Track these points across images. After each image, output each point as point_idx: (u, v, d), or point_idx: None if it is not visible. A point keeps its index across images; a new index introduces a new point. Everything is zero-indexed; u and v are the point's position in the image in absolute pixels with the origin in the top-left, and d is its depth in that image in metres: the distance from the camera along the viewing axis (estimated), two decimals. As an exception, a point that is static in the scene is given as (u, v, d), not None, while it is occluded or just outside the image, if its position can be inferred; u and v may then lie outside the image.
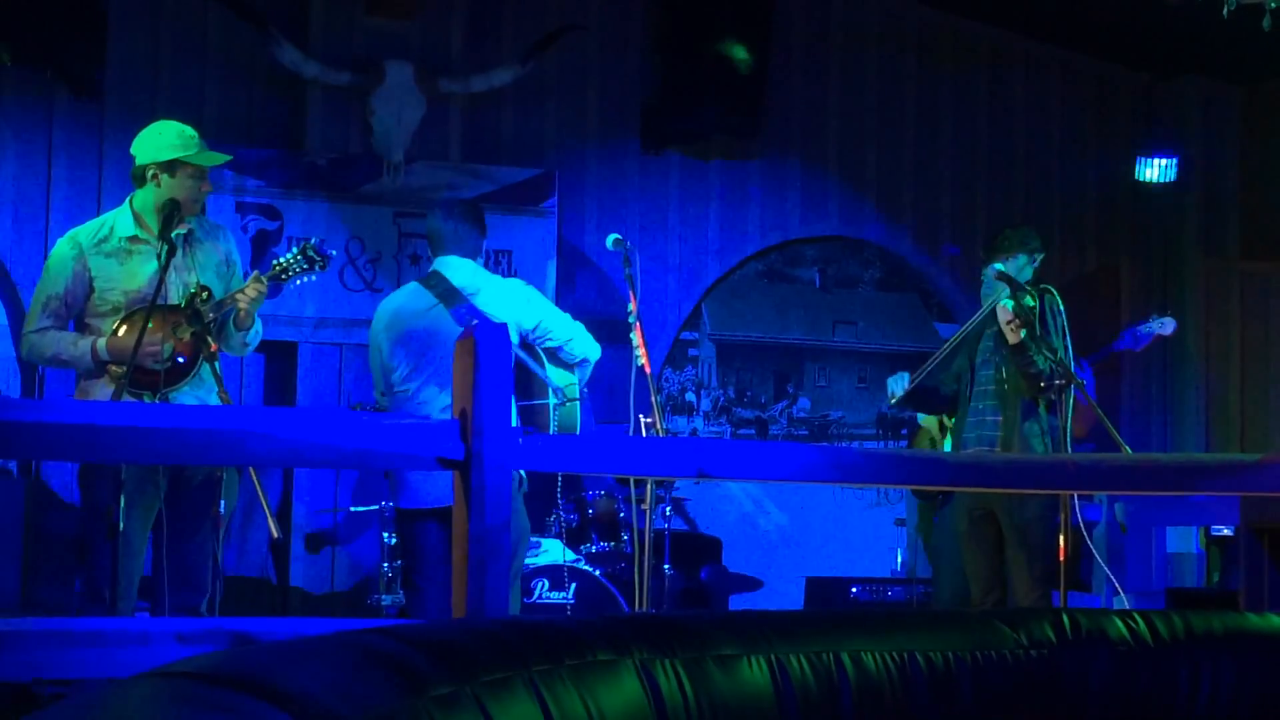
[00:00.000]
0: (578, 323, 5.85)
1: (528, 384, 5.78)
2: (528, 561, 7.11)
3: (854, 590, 8.01)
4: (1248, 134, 9.86)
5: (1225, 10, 6.14)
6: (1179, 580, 8.98)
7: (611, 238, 5.86)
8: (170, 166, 5.43)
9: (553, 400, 5.78)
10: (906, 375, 6.45)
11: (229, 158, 5.83)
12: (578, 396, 5.82)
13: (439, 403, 5.71)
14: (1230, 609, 4.32)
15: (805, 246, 9.43)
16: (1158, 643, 3.14)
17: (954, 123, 9.58)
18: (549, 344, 5.79)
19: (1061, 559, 5.93)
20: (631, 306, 5.66)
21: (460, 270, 5.81)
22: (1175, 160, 9.48)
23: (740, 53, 8.60)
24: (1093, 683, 3.02)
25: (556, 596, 6.96)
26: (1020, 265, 6.34)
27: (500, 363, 3.54)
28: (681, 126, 8.93)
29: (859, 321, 9.45)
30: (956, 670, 2.92)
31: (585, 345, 5.82)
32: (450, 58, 8.37)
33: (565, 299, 8.34)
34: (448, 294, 5.79)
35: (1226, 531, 8.26)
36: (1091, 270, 9.63)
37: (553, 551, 7.09)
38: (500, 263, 8.32)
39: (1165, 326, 7.02)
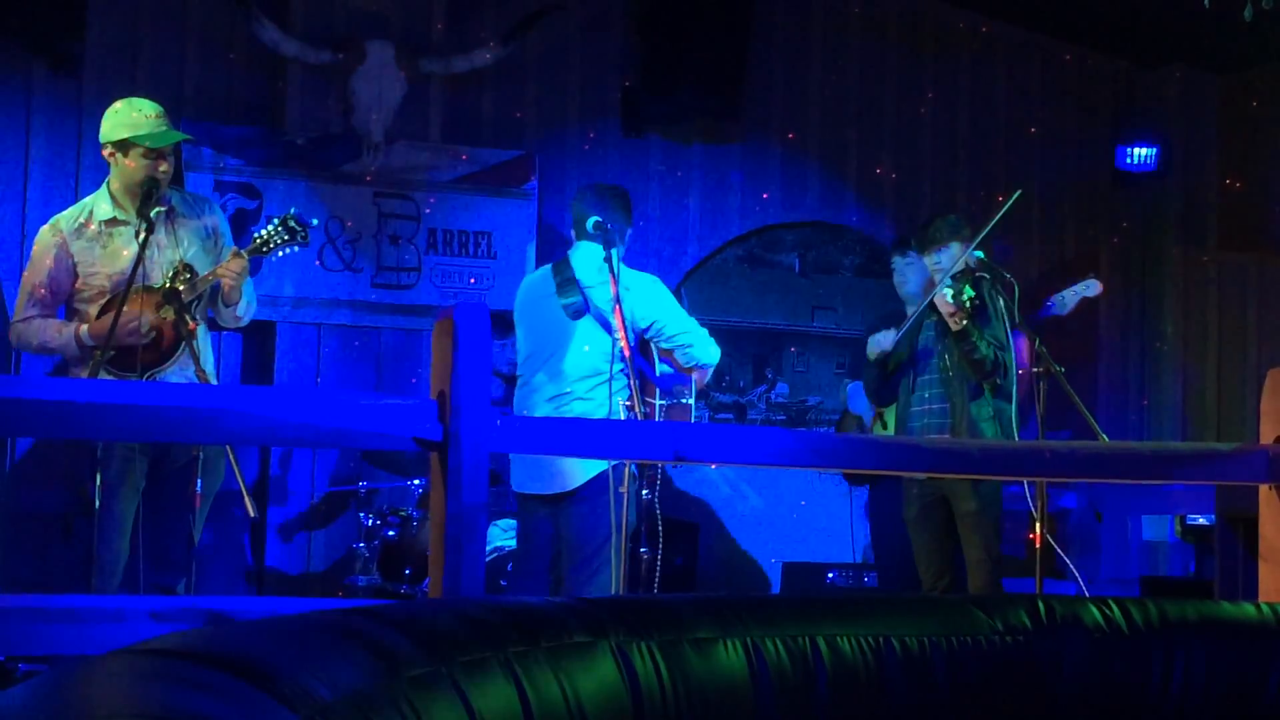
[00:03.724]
0: (701, 327, 5.84)
1: (645, 383, 5.81)
2: (502, 543, 7.11)
3: (830, 575, 8.02)
4: (1228, 123, 9.88)
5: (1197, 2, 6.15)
6: (1155, 569, 9.02)
7: (591, 220, 5.85)
8: (123, 145, 5.41)
9: (661, 401, 5.79)
10: (893, 332, 6.45)
11: (185, 138, 5.79)
12: (689, 399, 5.83)
13: (546, 391, 5.73)
14: (1205, 597, 4.34)
15: (785, 231, 9.42)
16: (1132, 630, 3.16)
17: (935, 109, 9.58)
18: (665, 344, 5.79)
19: (1038, 546, 5.95)
20: (611, 290, 5.64)
21: (586, 260, 5.81)
22: (1155, 149, 9.50)
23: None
24: (1067, 669, 3.03)
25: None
26: (954, 255, 6.33)
27: (479, 345, 3.54)
28: (662, 109, 8.91)
29: (838, 307, 9.45)
30: (932, 655, 2.93)
31: (704, 350, 5.81)
32: (431, 38, 8.34)
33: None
34: (566, 283, 5.81)
35: (1202, 520, 8.29)
36: (1070, 258, 9.65)
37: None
38: (480, 244, 8.31)
39: (1090, 288, 6.99)
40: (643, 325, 5.73)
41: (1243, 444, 4.28)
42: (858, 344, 7.26)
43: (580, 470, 5.62)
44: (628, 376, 5.53)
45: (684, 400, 5.85)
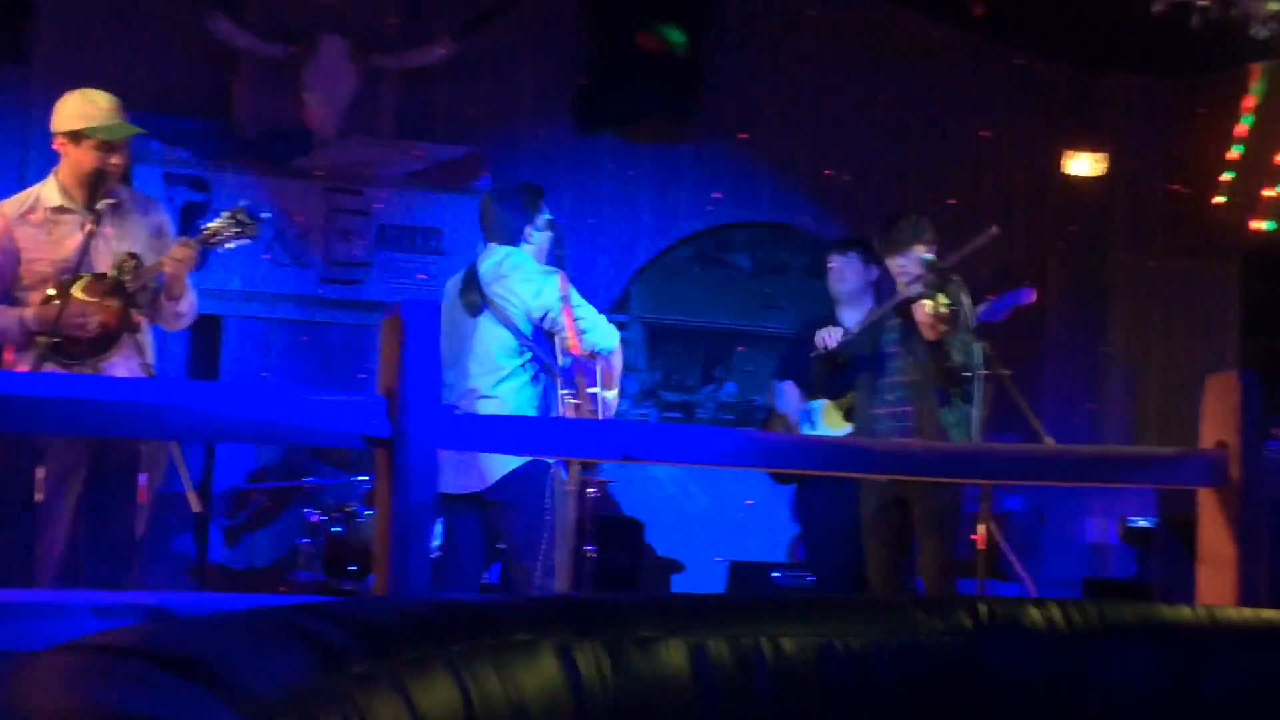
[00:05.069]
0: (599, 314, 5.86)
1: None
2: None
3: (775, 575, 8.04)
4: (1175, 130, 9.96)
5: (1154, 7, 6.21)
6: (1098, 570, 9.09)
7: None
8: (75, 136, 5.37)
9: (562, 391, 5.80)
10: (840, 330, 6.45)
11: (139, 131, 5.74)
12: (594, 387, 5.84)
13: (456, 390, 5.75)
14: (1146, 599, 4.39)
15: (736, 231, 9.45)
16: (1071, 631, 3.19)
17: (887, 111, 9.61)
18: (562, 333, 5.79)
19: (982, 548, 5.98)
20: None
21: (489, 257, 5.84)
22: (1104, 155, 9.57)
23: (676, 36, 8.61)
24: (1006, 669, 3.06)
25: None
26: (918, 258, 6.32)
27: (427, 342, 3.54)
28: (615, 108, 8.92)
29: (788, 308, 9.48)
30: (874, 656, 2.95)
31: (600, 334, 5.82)
32: (384, 33, 8.32)
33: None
34: (469, 281, 5.85)
35: (1145, 523, 8.36)
36: (1019, 261, 9.70)
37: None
38: (430, 241, 8.29)
39: (1022, 296, 7.02)
40: (538, 315, 5.75)
41: (1184, 448, 4.32)
42: (793, 344, 7.25)
43: (496, 467, 5.62)
44: (550, 373, 5.59)
45: (589, 389, 5.85)
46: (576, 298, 5.82)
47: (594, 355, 5.83)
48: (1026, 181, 9.87)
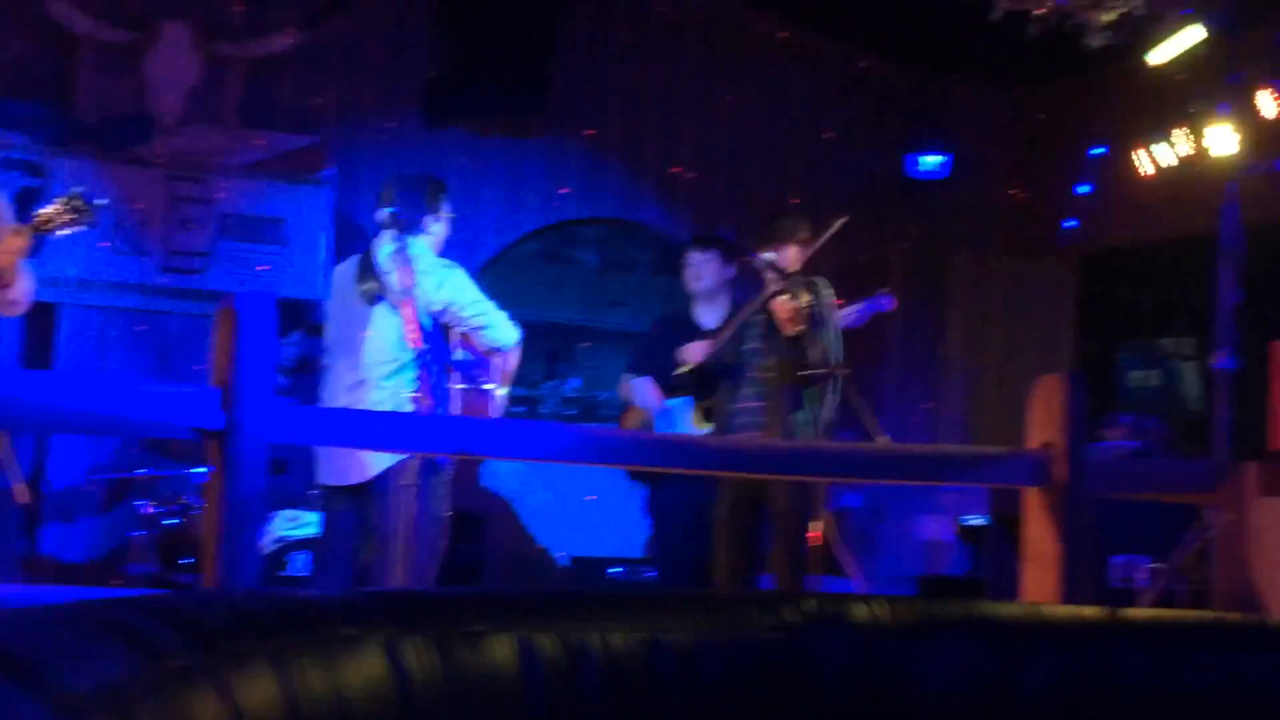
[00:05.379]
0: (499, 310, 5.83)
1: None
2: (287, 533, 7.04)
3: (612, 570, 8.08)
4: (1014, 135, 10.16)
5: (991, 15, 6.33)
6: (934, 567, 9.25)
7: (385, 211, 5.84)
8: None
9: (460, 386, 5.76)
10: (704, 344, 6.49)
11: None
12: (490, 383, 5.82)
13: (346, 380, 5.69)
14: (977, 596, 4.47)
15: (583, 227, 9.47)
16: (897, 627, 3.24)
17: (733, 110, 9.68)
18: (460, 328, 5.76)
19: (818, 544, 6.06)
20: (404, 281, 5.65)
21: (385, 246, 5.78)
22: (945, 158, 9.73)
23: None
24: (833, 666, 3.10)
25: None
26: (791, 257, 6.41)
27: (262, 334, 3.52)
28: (463, 101, 8.89)
29: (633, 304, 9.52)
30: (703, 651, 2.97)
31: (500, 331, 5.80)
32: (229, 20, 8.21)
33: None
34: (366, 271, 5.80)
35: (979, 521, 8.53)
36: (862, 261, 9.83)
37: (314, 524, 7.03)
38: (272, 231, 8.20)
39: (883, 304, 7.15)
40: (437, 309, 5.73)
41: (1012, 448, 4.42)
42: (648, 340, 7.29)
43: (376, 460, 5.60)
44: (419, 367, 5.53)
45: (483, 385, 5.85)
46: (477, 293, 5.81)
47: (492, 352, 5.83)
48: (871, 182, 10.00)
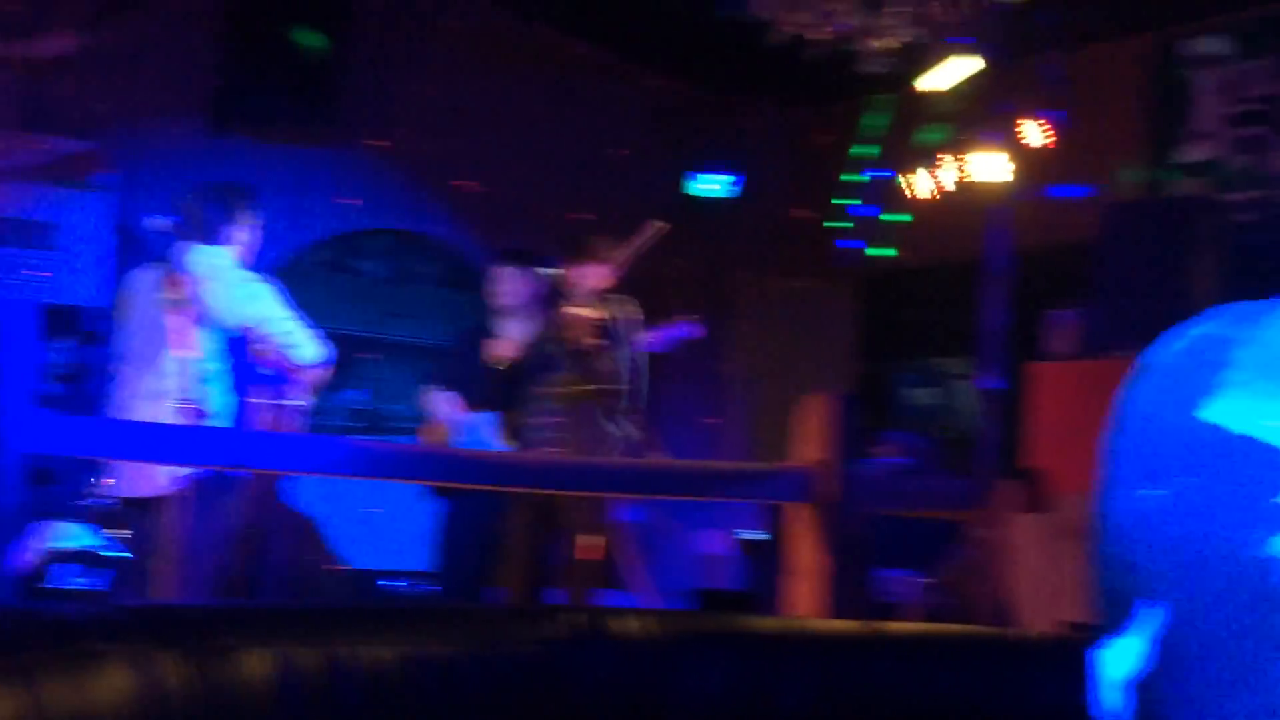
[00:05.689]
0: (304, 327, 5.75)
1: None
2: (54, 545, 6.89)
3: (382, 583, 8.04)
4: (798, 155, 10.34)
5: (769, 38, 6.47)
6: (712, 582, 9.36)
7: (157, 220, 5.79)
8: None
9: (262, 401, 5.68)
10: (512, 341, 6.49)
11: None
12: (296, 399, 5.74)
13: (145, 390, 5.57)
14: (743, 609, 4.56)
15: (369, 238, 9.41)
16: (663, 640, 3.28)
17: (523, 124, 9.72)
18: (265, 345, 5.67)
19: (599, 559, 6.12)
20: (199, 289, 5.61)
21: (190, 255, 5.66)
22: (731, 177, 9.87)
23: (313, 40, 8.54)
24: (593, 679, 3.14)
25: (85, 583, 6.77)
26: (595, 273, 6.44)
27: (22, 343, 3.45)
28: (249, 109, 8.80)
29: (420, 316, 9.49)
30: (462, 666, 2.98)
31: (306, 350, 5.72)
32: (5, 20, 8.01)
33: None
34: (168, 280, 5.67)
35: (756, 536, 8.66)
36: (640, 279, 9.91)
37: (84, 536, 6.90)
38: (45, 236, 8.01)
39: (690, 331, 7.26)
40: (242, 323, 5.67)
41: (779, 464, 4.51)
42: (436, 354, 7.30)
43: (167, 473, 5.52)
44: (219, 379, 5.51)
45: (286, 400, 5.80)
46: (285, 310, 5.75)
47: (298, 369, 5.77)
48: (653, 201, 10.08)
